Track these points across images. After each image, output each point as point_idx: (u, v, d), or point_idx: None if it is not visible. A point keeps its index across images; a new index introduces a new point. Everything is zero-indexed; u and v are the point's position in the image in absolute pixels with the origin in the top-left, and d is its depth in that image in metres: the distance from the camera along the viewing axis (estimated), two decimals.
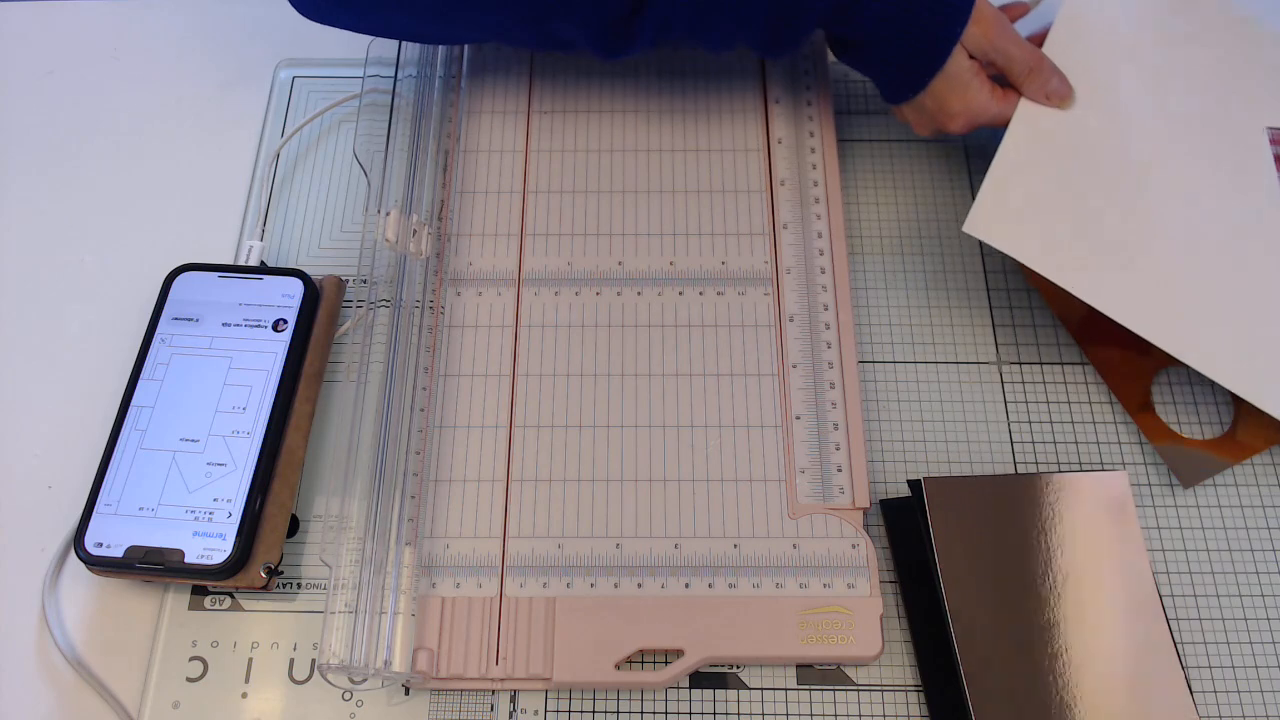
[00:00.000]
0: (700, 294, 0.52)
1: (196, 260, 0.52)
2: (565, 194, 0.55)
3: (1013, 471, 0.49)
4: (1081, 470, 0.49)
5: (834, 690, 0.45)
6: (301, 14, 0.50)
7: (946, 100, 0.50)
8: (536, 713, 0.45)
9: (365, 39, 0.55)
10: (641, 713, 0.45)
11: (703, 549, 0.46)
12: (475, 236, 0.54)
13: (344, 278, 0.53)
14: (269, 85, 0.61)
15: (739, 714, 0.44)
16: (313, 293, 0.51)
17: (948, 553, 0.45)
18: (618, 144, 0.56)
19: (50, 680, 0.46)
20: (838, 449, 0.48)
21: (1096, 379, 0.51)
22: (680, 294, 0.52)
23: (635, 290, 0.52)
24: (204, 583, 0.46)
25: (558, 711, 0.45)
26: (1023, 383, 0.51)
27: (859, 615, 0.45)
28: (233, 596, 0.47)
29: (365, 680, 0.45)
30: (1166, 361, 0.50)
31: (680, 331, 0.51)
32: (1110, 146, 0.52)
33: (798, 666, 0.45)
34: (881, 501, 0.48)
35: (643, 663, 0.45)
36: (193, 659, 0.46)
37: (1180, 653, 0.44)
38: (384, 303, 0.50)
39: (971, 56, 0.49)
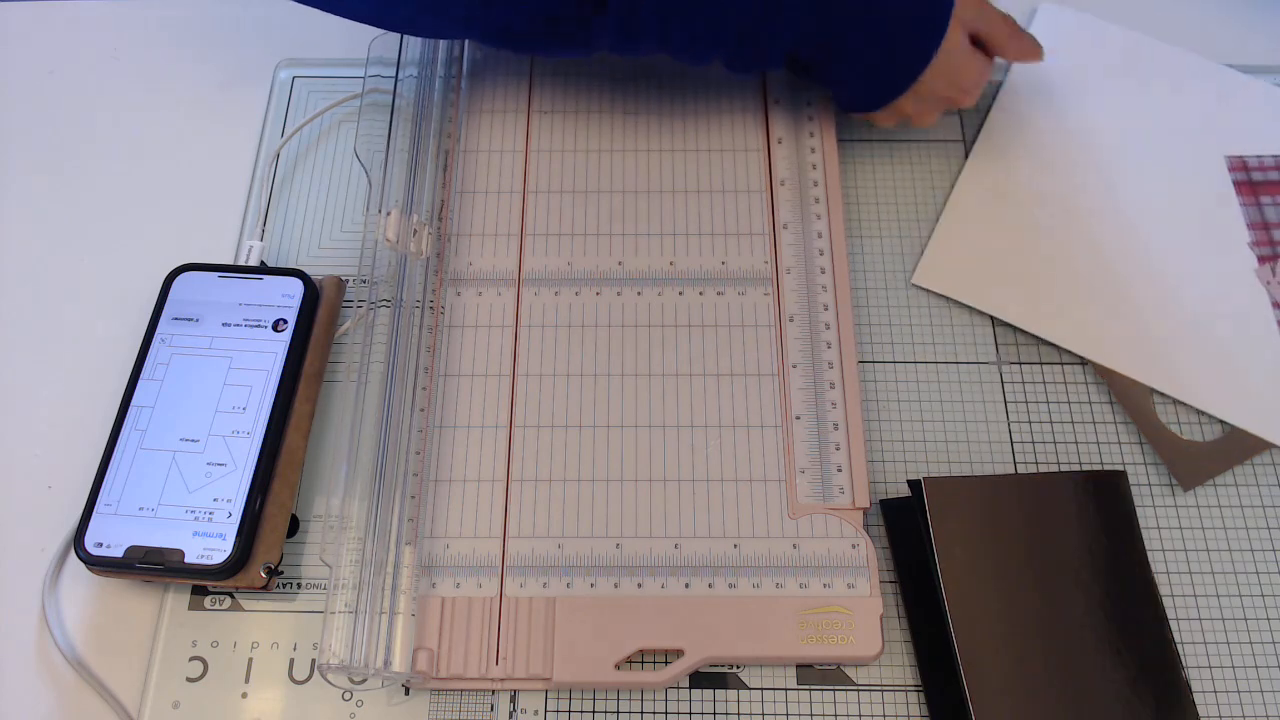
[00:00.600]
0: (700, 294, 0.52)
1: (196, 260, 0.52)
2: (565, 194, 0.55)
3: (1013, 471, 0.49)
4: (1081, 470, 0.49)
5: (834, 690, 0.45)
6: None
7: (960, 75, 0.51)
8: (536, 713, 0.45)
9: (365, 38, 0.55)
10: (641, 713, 0.45)
11: (703, 549, 0.46)
12: (475, 236, 0.54)
13: (344, 278, 0.53)
14: (269, 85, 0.61)
15: (739, 714, 0.44)
16: (313, 293, 0.51)
17: (948, 553, 0.45)
18: (618, 144, 0.56)
19: (50, 680, 0.46)
20: (838, 449, 0.48)
21: (1096, 379, 0.51)
22: (680, 294, 0.52)
23: (635, 290, 0.52)
24: (204, 583, 0.46)
25: (558, 711, 0.45)
26: (1023, 383, 0.51)
27: (859, 615, 0.45)
28: (233, 596, 0.47)
29: (365, 680, 0.45)
30: None
31: (680, 331, 0.51)
32: (1064, 190, 0.55)
33: (798, 666, 0.45)
34: (881, 501, 0.48)
35: (643, 663, 0.45)
36: (193, 659, 0.46)
37: (1180, 653, 0.44)
38: (384, 303, 0.50)
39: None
